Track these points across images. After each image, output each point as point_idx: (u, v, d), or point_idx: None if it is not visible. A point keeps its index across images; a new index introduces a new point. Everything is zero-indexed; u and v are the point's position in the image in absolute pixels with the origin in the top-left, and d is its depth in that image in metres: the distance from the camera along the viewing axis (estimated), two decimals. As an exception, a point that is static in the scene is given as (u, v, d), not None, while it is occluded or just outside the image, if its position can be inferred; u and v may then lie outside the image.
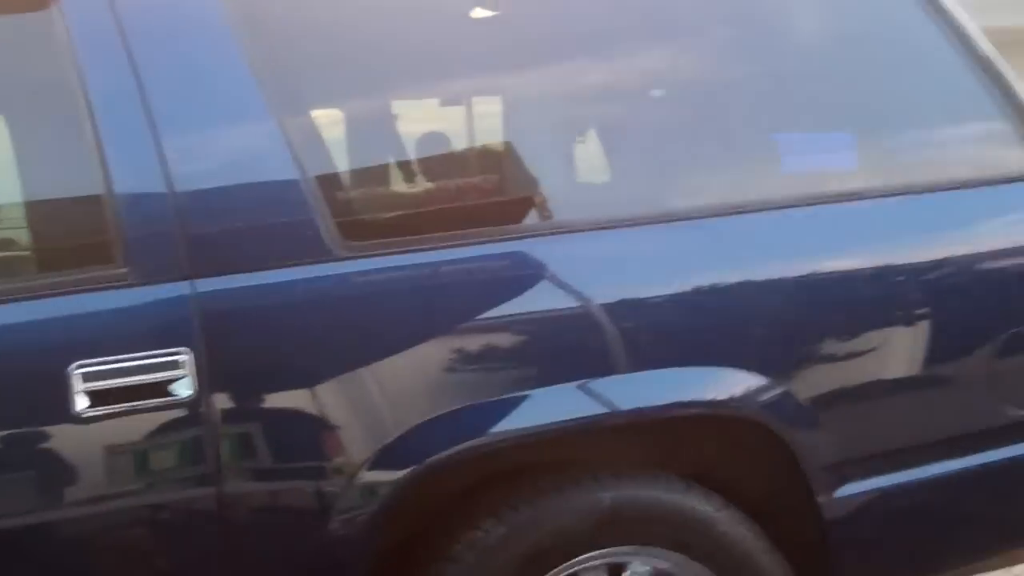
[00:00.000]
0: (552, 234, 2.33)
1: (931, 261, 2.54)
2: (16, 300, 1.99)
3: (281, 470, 2.09)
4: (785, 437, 2.34)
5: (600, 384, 2.24)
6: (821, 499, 2.38)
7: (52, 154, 2.29)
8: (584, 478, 2.24)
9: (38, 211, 2.28)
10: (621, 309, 2.27)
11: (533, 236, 2.31)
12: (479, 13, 2.47)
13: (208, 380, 1.99)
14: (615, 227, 2.34)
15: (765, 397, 2.32)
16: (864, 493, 2.42)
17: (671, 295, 2.33)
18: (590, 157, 2.67)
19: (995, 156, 2.71)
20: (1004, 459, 2.59)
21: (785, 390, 2.34)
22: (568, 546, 2.19)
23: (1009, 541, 2.73)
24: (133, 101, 2.06)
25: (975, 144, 2.76)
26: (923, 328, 2.51)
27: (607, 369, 2.26)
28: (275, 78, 2.17)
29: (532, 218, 2.40)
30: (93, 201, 2.05)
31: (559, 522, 2.19)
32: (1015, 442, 2.60)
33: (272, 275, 2.08)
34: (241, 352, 2.05)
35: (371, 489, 2.08)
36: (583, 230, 2.32)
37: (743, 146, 2.56)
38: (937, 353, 2.52)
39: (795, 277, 2.43)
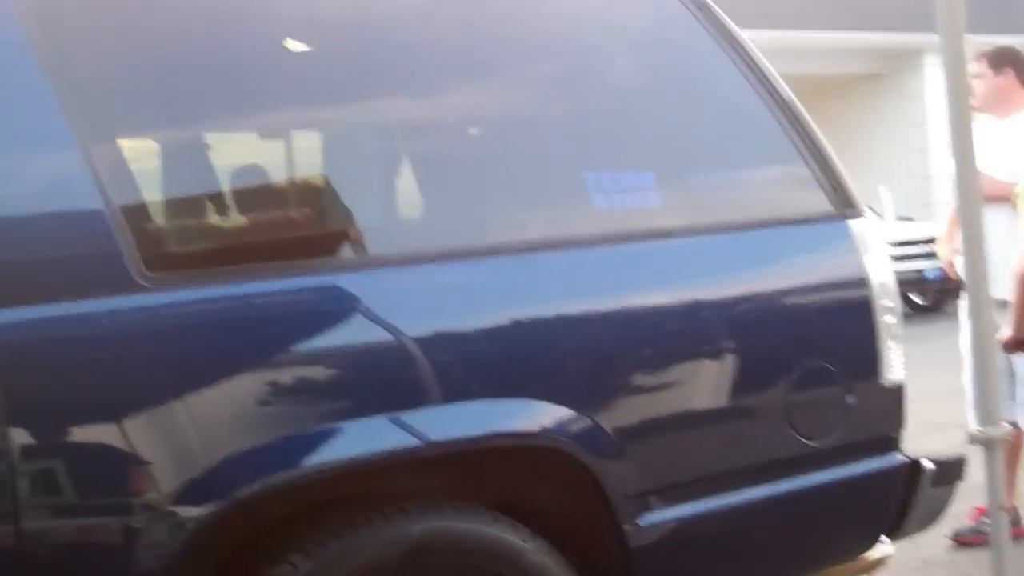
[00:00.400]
0: (366, 267, 2.40)
1: (733, 297, 2.72)
2: None
3: (84, 506, 2.09)
4: (591, 467, 2.46)
5: (412, 416, 2.32)
6: (626, 527, 2.50)
7: None
8: (392, 510, 2.30)
9: None
10: (434, 342, 2.36)
11: (347, 269, 2.38)
12: (293, 46, 2.54)
13: (5, 415, 1.99)
14: (429, 261, 2.43)
15: (573, 428, 2.44)
16: (667, 521, 2.57)
17: (483, 328, 2.43)
18: (406, 192, 2.76)
19: (794, 198, 2.91)
20: (801, 488, 2.77)
21: (592, 421, 2.46)
22: (377, 579, 2.26)
23: (808, 567, 2.92)
24: None
25: (776, 186, 2.96)
26: (725, 362, 2.69)
27: (419, 401, 2.33)
28: (83, 105, 2.19)
29: (346, 251, 2.47)
30: None
31: (367, 555, 2.25)
32: (811, 472, 2.79)
33: (75, 306, 2.08)
34: (41, 385, 2.05)
35: (177, 524, 2.11)
36: (397, 264, 2.40)
37: (554, 183, 2.68)
38: (738, 386, 2.69)
39: (604, 312, 2.56)
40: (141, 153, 2.42)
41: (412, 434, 2.32)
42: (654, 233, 2.66)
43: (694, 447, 2.65)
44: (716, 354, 2.67)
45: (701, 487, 2.64)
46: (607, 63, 2.87)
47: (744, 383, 2.70)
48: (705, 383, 2.66)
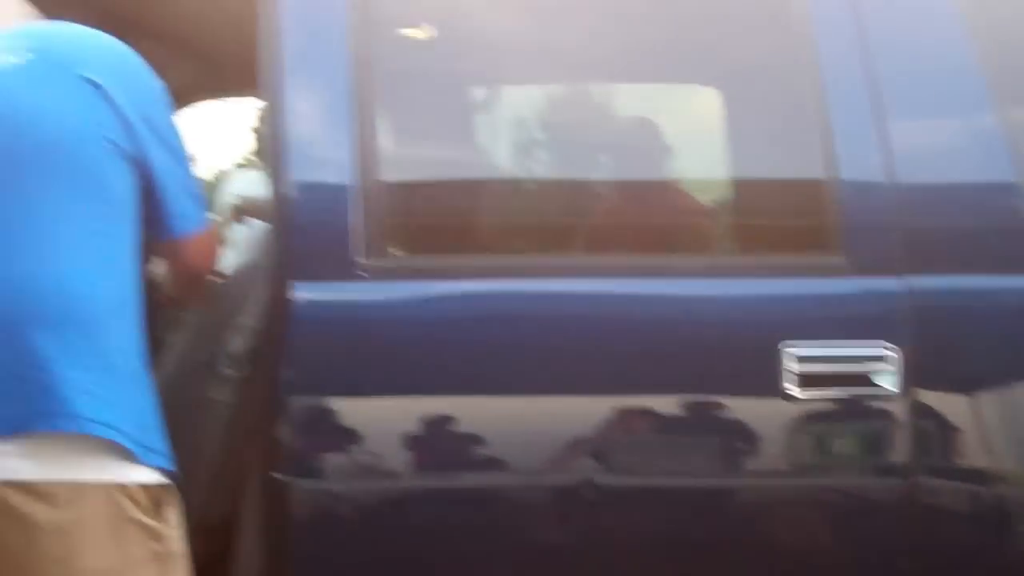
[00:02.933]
0: None
1: None
2: (733, 277, 2.54)
3: (974, 472, 2.50)
4: None
5: None
6: None
7: (773, 135, 2.78)
8: None
9: (757, 192, 2.79)
10: None
11: None
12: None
13: (913, 376, 2.43)
14: None
15: None
16: None
17: None
18: None
19: None
20: None
21: None
22: None
23: None
24: (864, 87, 2.52)
25: None
26: None
27: None
28: (1002, 73, 2.57)
29: None
30: (813, 186, 2.54)
31: None
32: None
33: (983, 280, 2.49)
34: (950, 353, 2.47)
35: None
36: None
37: None
38: None
39: None
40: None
41: None
42: None
43: None
44: None
45: None
46: None
47: None
48: None
